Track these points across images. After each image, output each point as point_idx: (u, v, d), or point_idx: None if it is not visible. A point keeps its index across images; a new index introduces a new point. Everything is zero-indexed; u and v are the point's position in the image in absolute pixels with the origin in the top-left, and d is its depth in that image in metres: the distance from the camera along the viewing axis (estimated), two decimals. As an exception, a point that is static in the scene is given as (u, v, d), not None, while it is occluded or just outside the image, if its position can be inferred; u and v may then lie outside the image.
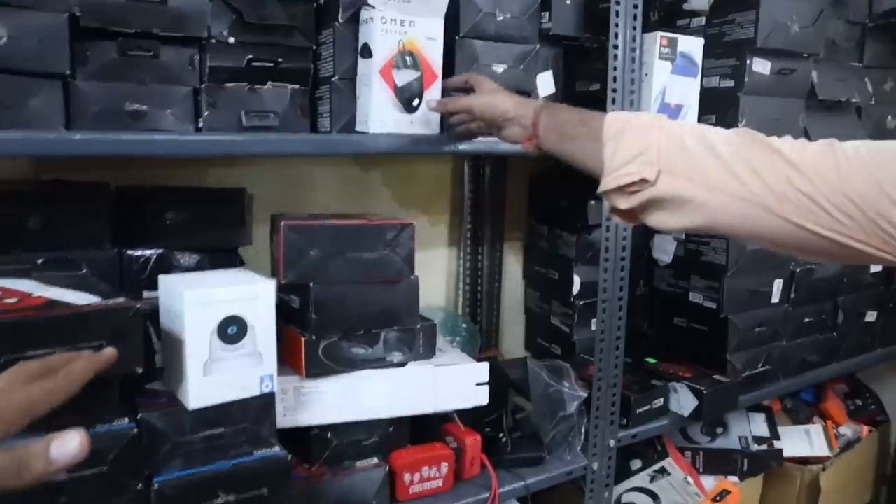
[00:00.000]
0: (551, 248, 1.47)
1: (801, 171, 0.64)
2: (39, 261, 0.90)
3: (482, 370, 1.09)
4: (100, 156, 0.82)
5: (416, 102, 0.93)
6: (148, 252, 1.01)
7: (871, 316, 1.67)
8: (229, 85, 0.89)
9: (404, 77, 0.91)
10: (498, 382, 1.21)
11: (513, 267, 1.59)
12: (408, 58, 0.91)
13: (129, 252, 0.99)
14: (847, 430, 1.75)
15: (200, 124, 0.89)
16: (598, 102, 1.12)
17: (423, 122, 0.95)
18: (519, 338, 1.62)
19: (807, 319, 1.53)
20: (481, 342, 1.51)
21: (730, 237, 1.33)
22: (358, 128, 0.96)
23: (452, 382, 1.07)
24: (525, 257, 1.59)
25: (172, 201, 1.02)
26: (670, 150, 0.71)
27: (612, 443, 1.26)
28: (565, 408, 1.21)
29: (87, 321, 0.74)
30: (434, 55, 0.93)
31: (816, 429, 1.68)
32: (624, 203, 0.75)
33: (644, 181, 0.72)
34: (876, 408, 1.86)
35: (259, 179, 1.22)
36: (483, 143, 1.04)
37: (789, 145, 0.67)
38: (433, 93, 0.96)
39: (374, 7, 0.89)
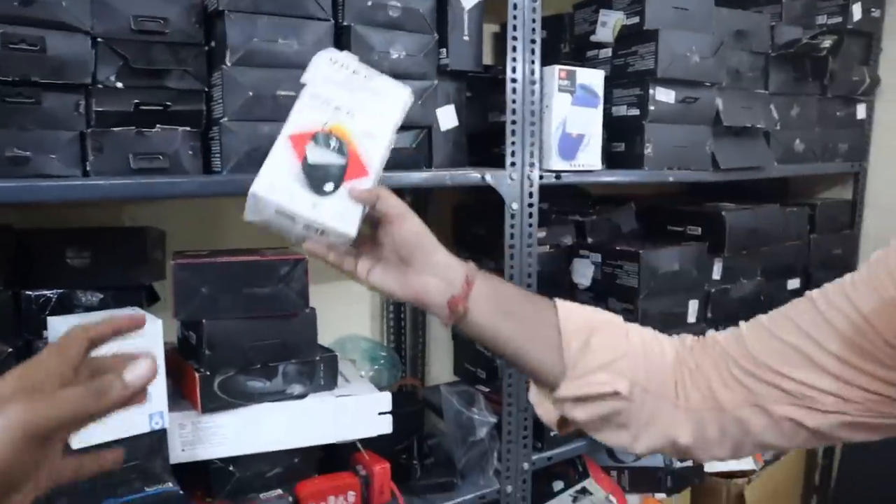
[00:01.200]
0: (473, 274, 1.50)
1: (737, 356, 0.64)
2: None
3: (384, 399, 1.12)
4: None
5: (328, 187, 0.72)
6: (48, 292, 1.02)
7: (791, 333, 1.71)
8: (117, 129, 0.91)
9: (321, 157, 0.71)
10: (410, 410, 1.23)
11: (439, 292, 1.61)
12: (332, 141, 0.73)
13: (28, 293, 1.00)
14: (775, 444, 1.78)
15: (88, 168, 0.91)
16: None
17: (332, 212, 0.71)
18: (448, 364, 1.65)
19: (725, 338, 1.57)
20: (407, 370, 1.54)
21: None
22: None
23: (354, 412, 1.09)
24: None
25: (73, 242, 1.04)
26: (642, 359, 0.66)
27: (525, 466, 1.28)
28: (475, 433, 1.24)
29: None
30: (369, 153, 0.74)
31: (743, 444, 1.71)
32: (581, 413, 0.67)
33: (615, 394, 0.64)
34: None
35: (176, 216, 1.24)
36: (399, 176, 1.07)
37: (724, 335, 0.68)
38: (356, 185, 0.74)
39: (306, 84, 0.74)
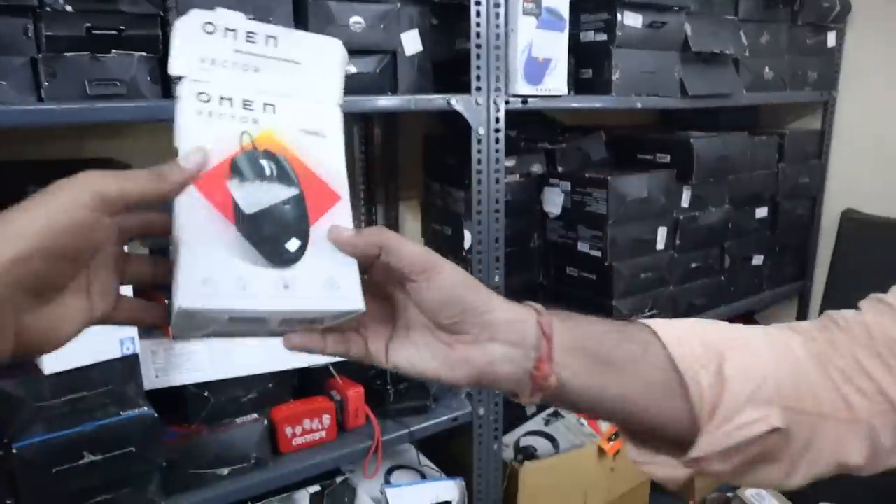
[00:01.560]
0: (444, 205, 1.51)
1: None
2: None
3: (356, 325, 1.13)
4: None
5: (292, 245, 0.45)
6: (12, 224, 1.02)
7: (757, 259, 1.75)
8: (69, 54, 0.90)
9: (259, 196, 0.45)
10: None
11: (411, 225, 1.62)
12: (264, 163, 0.46)
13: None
14: (743, 367, 1.84)
15: (42, 94, 0.89)
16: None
17: (315, 285, 0.45)
18: (424, 294, 1.67)
19: (693, 265, 1.60)
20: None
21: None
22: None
23: (326, 338, 1.11)
24: (423, 215, 1.62)
25: (35, 174, 1.03)
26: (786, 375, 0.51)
27: (497, 389, 1.31)
28: (447, 358, 1.26)
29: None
30: (327, 160, 0.48)
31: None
32: (726, 465, 0.51)
33: (773, 431, 0.49)
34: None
35: (139, 149, 1.23)
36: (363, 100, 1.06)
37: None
38: (332, 222, 0.47)
39: (183, 77, 0.46)
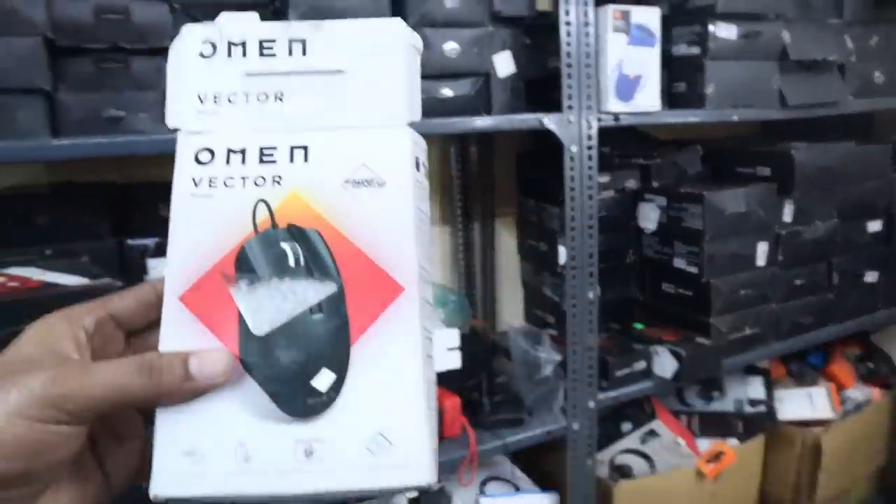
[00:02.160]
0: (539, 222, 1.53)
1: None
2: (47, 252, 1.04)
3: (453, 336, 1.18)
4: (82, 158, 0.94)
5: (322, 381, 0.30)
6: (146, 241, 1.14)
7: (871, 276, 1.66)
8: (197, 87, 1.00)
9: (272, 306, 0.31)
10: (477, 349, 1.29)
11: (507, 241, 1.66)
12: (286, 248, 0.32)
13: (129, 241, 1.12)
14: (857, 393, 1.74)
15: (174, 124, 1.00)
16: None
17: (351, 452, 0.30)
18: (519, 310, 1.69)
19: (798, 281, 1.54)
20: (478, 316, 1.60)
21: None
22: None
23: (423, 348, 1.16)
24: (518, 231, 1.65)
25: (166, 195, 1.15)
26: None
27: (591, 404, 1.32)
28: (541, 371, 1.28)
29: (72, 298, 0.87)
30: (383, 225, 0.32)
31: (820, 391, 1.68)
32: None
33: None
34: (889, 371, 1.84)
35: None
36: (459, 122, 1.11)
37: None
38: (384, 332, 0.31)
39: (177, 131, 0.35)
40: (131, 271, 1.10)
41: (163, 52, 0.98)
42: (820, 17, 1.46)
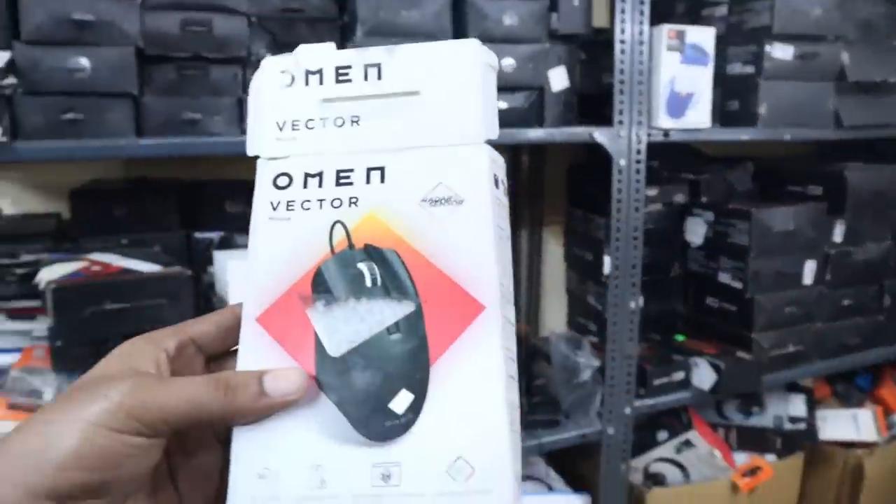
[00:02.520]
0: (585, 231, 1.57)
1: None
2: (123, 241, 1.13)
3: (494, 338, 1.23)
4: (162, 157, 1.03)
5: (399, 403, 0.30)
6: (211, 234, 1.22)
7: (924, 299, 1.64)
8: (267, 94, 1.08)
9: (349, 326, 0.31)
10: (518, 351, 1.34)
11: (554, 249, 1.70)
12: (363, 268, 0.32)
13: (196, 234, 1.21)
14: (905, 417, 1.72)
15: (244, 128, 1.08)
16: (604, 95, 1.22)
17: (430, 476, 0.29)
18: (562, 316, 1.73)
19: (846, 302, 1.54)
20: (521, 319, 1.64)
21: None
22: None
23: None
24: (565, 240, 1.69)
25: (230, 192, 1.24)
26: None
27: (627, 410, 1.35)
28: (579, 376, 1.32)
29: (148, 283, 0.96)
30: (463, 242, 0.32)
31: (866, 414, 1.66)
32: None
33: None
34: (942, 395, 1.80)
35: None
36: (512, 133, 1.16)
37: None
38: (467, 352, 0.30)
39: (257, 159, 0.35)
40: (198, 262, 1.19)
41: (239, 62, 1.07)
42: (881, 39, 1.46)
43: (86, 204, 1.17)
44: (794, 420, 1.59)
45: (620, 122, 1.24)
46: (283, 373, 0.31)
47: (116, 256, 1.05)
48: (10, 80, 0.92)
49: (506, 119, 1.20)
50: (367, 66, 0.34)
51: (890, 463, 1.64)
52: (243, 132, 1.08)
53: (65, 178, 1.25)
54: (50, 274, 0.94)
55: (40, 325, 1.03)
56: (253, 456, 0.30)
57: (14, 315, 1.04)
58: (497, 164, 0.34)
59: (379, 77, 0.34)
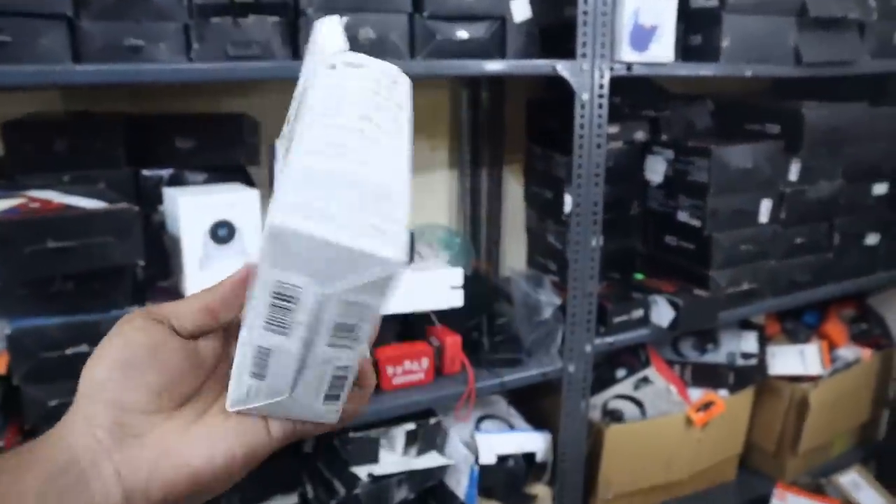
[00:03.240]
0: (545, 169, 1.55)
1: None
2: (65, 178, 1.07)
3: (456, 275, 1.21)
4: (102, 84, 0.96)
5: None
6: (161, 171, 1.16)
7: (872, 238, 1.68)
8: (215, 19, 1.01)
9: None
10: (478, 290, 1.33)
11: (514, 188, 1.68)
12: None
13: (144, 172, 1.15)
14: (847, 352, 1.79)
15: (192, 56, 1.01)
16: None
17: None
18: (522, 256, 1.73)
19: (798, 240, 1.57)
20: (480, 257, 1.63)
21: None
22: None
23: (429, 285, 1.20)
24: (525, 178, 1.67)
25: (180, 127, 1.17)
26: None
27: (587, 348, 1.36)
28: (541, 314, 1.32)
29: (95, 219, 0.91)
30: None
31: (812, 349, 1.72)
32: None
33: None
34: (882, 333, 1.88)
35: (269, 108, 1.35)
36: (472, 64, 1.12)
37: None
38: None
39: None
40: (147, 200, 1.13)
41: (182, -17, 0.99)
42: (842, -26, 1.45)
43: (21, 138, 1.08)
44: (746, 356, 1.63)
45: (584, 55, 1.21)
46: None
47: (57, 193, 0.98)
48: (-73, -3, 0.84)
49: (466, 50, 1.16)
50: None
51: (832, 394, 1.70)
52: (190, 60, 1.02)
53: (-3, 111, 1.17)
54: (-17, 210, 0.88)
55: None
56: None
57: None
58: None
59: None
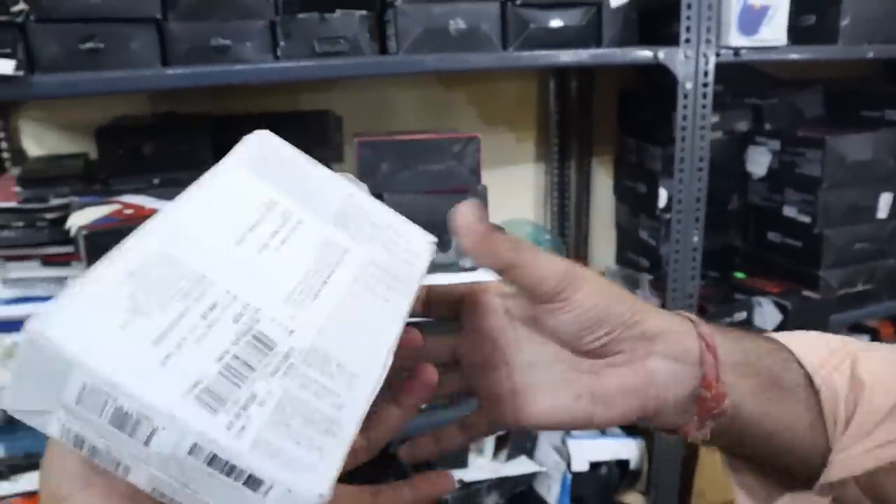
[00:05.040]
0: (639, 162, 1.46)
1: None
2: (155, 181, 1.06)
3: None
4: (192, 87, 0.94)
5: None
6: (246, 171, 1.15)
7: None
8: (301, 15, 0.98)
9: None
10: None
11: (603, 181, 1.60)
12: None
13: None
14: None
15: (279, 53, 0.98)
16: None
17: None
18: (611, 252, 1.65)
19: (922, 236, 1.43)
20: (569, 255, 1.56)
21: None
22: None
23: (518, 290, 1.14)
24: (615, 172, 1.59)
25: (265, 126, 1.15)
26: None
27: (686, 353, 1.28)
28: (637, 318, 1.25)
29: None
30: None
31: (931, 351, 1.58)
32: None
33: None
34: None
35: (349, 103, 1.32)
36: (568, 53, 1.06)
37: None
38: None
39: None
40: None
41: (269, -20, 0.96)
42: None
43: (113, 142, 1.09)
44: (858, 360, 1.51)
45: (687, 41, 1.12)
46: (440, 477, 0.38)
47: (149, 198, 0.98)
48: (21, 5, 0.84)
49: (560, 38, 1.09)
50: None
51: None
52: (276, 58, 1.00)
53: (89, 115, 1.17)
54: (80, 219, 0.88)
55: (76, 272, 0.97)
56: None
57: (48, 262, 0.99)
58: None
59: None
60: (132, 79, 0.87)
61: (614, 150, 1.58)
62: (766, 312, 1.32)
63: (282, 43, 0.98)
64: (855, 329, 1.57)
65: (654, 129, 1.39)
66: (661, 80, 1.16)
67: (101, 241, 0.84)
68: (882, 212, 1.37)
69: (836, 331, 1.51)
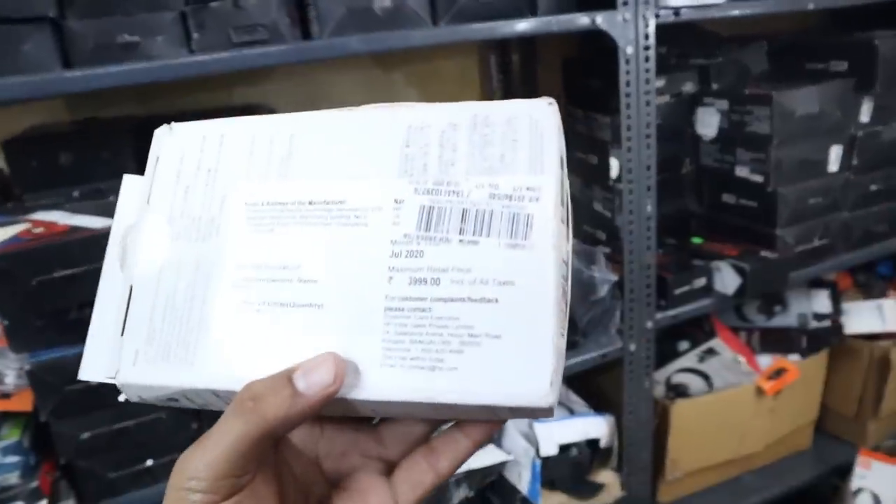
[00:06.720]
0: (588, 132, 1.43)
1: None
2: (75, 193, 0.99)
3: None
4: (98, 90, 0.87)
5: None
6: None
7: (955, 177, 1.52)
8: (214, 4, 0.91)
9: None
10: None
11: (553, 156, 1.56)
12: None
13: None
14: (930, 300, 1.64)
15: (193, 46, 0.92)
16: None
17: None
18: (566, 227, 1.61)
19: (873, 187, 1.42)
20: (524, 234, 1.53)
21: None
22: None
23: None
24: (566, 144, 1.55)
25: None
26: None
27: (649, 324, 1.26)
28: (596, 292, 1.22)
29: (103, 240, 0.82)
30: None
31: (891, 304, 1.58)
32: None
33: None
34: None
35: (284, 94, 1.25)
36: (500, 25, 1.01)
37: None
38: None
39: None
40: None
41: (174, -33, 0.89)
42: None
43: (25, 154, 1.01)
44: (819, 317, 1.51)
45: (625, 4, 1.08)
46: (310, 367, 0.31)
47: (63, 213, 0.91)
48: None
49: (493, 10, 1.04)
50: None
51: (917, 350, 1.57)
52: (191, 52, 0.93)
53: (-1, 127, 1.09)
54: (-14, 241, 0.81)
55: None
56: None
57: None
58: None
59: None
60: (27, 84, 0.80)
61: (563, 122, 1.53)
62: (726, 276, 1.30)
63: (195, 35, 0.91)
64: (813, 284, 1.57)
65: (602, 98, 1.35)
66: (604, 47, 1.12)
67: (8, 266, 0.77)
68: (833, 165, 1.36)
69: (796, 288, 1.51)
